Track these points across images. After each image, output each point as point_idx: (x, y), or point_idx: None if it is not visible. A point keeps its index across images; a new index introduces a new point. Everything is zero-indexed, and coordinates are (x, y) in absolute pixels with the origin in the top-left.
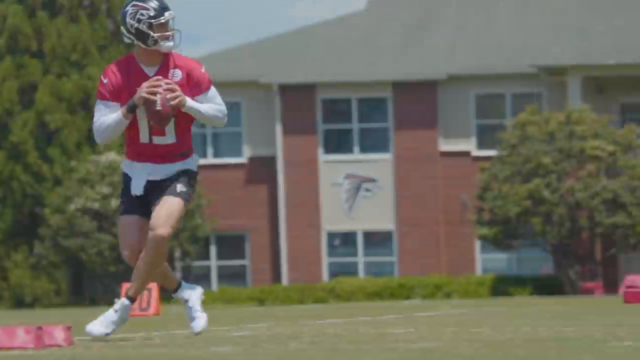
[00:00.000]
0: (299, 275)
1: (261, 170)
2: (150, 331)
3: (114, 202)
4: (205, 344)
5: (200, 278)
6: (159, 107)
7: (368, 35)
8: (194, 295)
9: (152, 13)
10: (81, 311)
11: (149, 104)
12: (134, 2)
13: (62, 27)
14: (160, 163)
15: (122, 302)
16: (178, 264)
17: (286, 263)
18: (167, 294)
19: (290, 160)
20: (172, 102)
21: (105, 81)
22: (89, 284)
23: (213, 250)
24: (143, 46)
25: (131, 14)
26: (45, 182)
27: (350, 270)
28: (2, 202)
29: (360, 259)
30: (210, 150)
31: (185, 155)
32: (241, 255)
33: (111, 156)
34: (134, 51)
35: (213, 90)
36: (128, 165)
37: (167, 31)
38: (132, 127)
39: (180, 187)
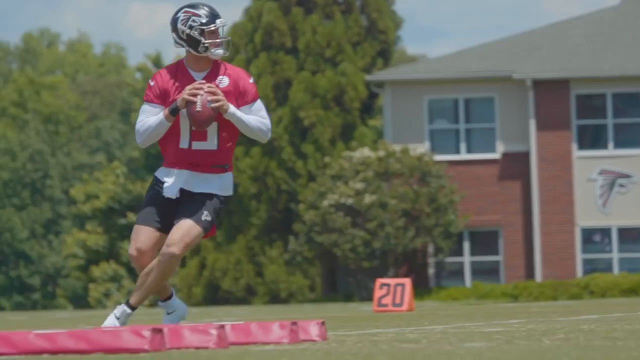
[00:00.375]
0: (552, 271)
1: (514, 165)
2: (403, 327)
3: (368, 198)
4: (458, 339)
5: (454, 274)
6: (199, 109)
7: (623, 30)
8: (178, 312)
9: (203, 20)
10: (335, 306)
11: (190, 106)
12: (185, 9)
13: (317, 23)
14: (197, 171)
15: (123, 309)
16: (431, 260)
17: (540, 259)
18: (419, 290)
19: (544, 155)
20: (212, 105)
21: (152, 84)
22: (342, 280)
23: (466, 246)
24: (194, 52)
25: (183, 20)
26: (299, 178)
27: (604, 266)
28: (257, 198)
29: (615, 255)
30: (463, 146)
31: (223, 168)
32: (495, 251)
33: (365, 152)
34: (184, 57)
35: (259, 103)
36: (163, 171)
37: (218, 38)
38: (173, 133)
39: (205, 216)
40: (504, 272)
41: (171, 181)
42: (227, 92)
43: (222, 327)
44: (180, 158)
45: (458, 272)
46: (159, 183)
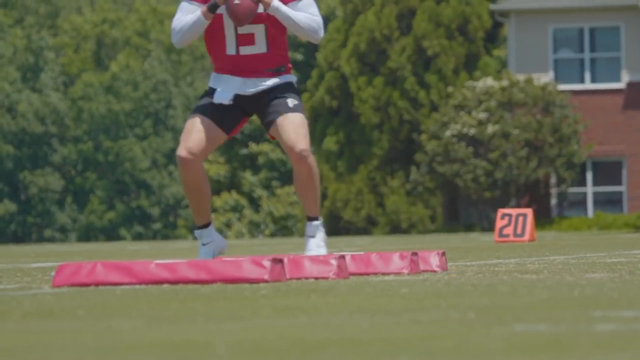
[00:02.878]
0: None
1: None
2: (524, 257)
3: (490, 128)
4: (580, 270)
5: (576, 205)
6: (237, 1)
7: None
8: (215, 244)
9: None
10: (456, 237)
11: (230, 9)
12: None
13: None
14: (251, 77)
15: (314, 224)
16: (554, 191)
17: None
18: (541, 221)
19: None
20: None
21: None
22: (464, 210)
23: (589, 176)
24: None
25: None
26: (422, 108)
27: None
28: (379, 128)
29: None
30: (587, 76)
31: (279, 71)
32: (618, 182)
33: (488, 82)
34: None
35: (308, 0)
36: (215, 79)
37: None
38: (218, 38)
39: (291, 102)
40: (627, 202)
41: (223, 87)
42: None
43: (343, 257)
44: (229, 65)
45: (580, 203)
46: (210, 90)
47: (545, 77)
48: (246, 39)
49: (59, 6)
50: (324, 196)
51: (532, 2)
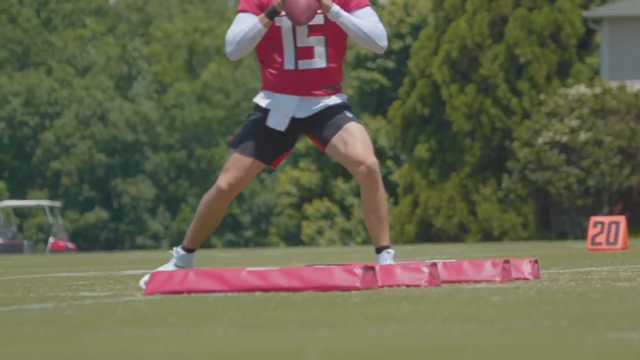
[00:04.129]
0: None
1: None
2: (617, 265)
3: (583, 136)
4: None
5: None
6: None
7: None
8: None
9: None
10: (548, 245)
11: (288, 4)
12: None
13: None
14: (308, 95)
15: (391, 253)
16: None
17: None
18: (634, 228)
19: None
20: None
21: None
22: (556, 218)
23: None
24: None
25: None
26: (514, 116)
27: None
28: (471, 135)
29: None
30: None
31: (335, 89)
32: None
33: (581, 89)
34: None
35: (369, 10)
36: (266, 97)
37: None
38: (276, 51)
39: (347, 113)
40: None
41: (278, 110)
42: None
43: (434, 265)
44: (286, 82)
45: None
46: (261, 110)
47: (638, 84)
48: (305, 52)
49: (151, 14)
50: (415, 203)
51: (626, 9)
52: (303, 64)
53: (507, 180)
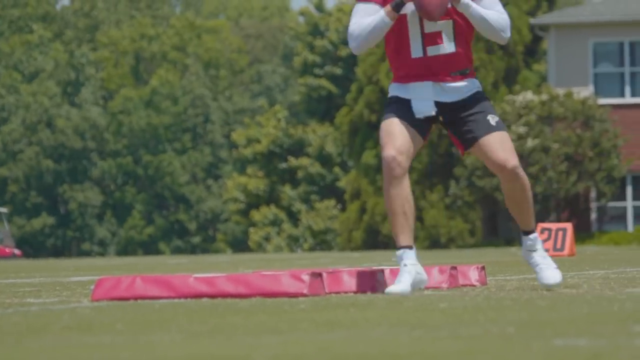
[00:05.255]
0: None
1: None
2: (564, 272)
3: (530, 142)
4: (620, 285)
5: (616, 219)
6: None
7: None
8: (540, 245)
9: None
10: (495, 251)
11: None
12: None
13: None
14: (440, 81)
15: (532, 237)
16: (593, 205)
17: None
18: (581, 235)
19: None
20: None
21: None
22: (503, 224)
23: (629, 190)
24: None
25: None
26: None
27: None
28: None
29: None
30: (628, 90)
31: (464, 74)
32: None
33: (528, 96)
34: None
35: (497, 6)
36: (400, 88)
37: None
38: (402, 40)
39: (492, 119)
40: None
41: (418, 97)
42: None
43: (382, 271)
44: (415, 70)
45: (621, 217)
46: (401, 101)
47: (585, 91)
48: (433, 38)
49: (98, 20)
50: (362, 210)
51: (572, 17)
52: (432, 50)
53: (454, 187)
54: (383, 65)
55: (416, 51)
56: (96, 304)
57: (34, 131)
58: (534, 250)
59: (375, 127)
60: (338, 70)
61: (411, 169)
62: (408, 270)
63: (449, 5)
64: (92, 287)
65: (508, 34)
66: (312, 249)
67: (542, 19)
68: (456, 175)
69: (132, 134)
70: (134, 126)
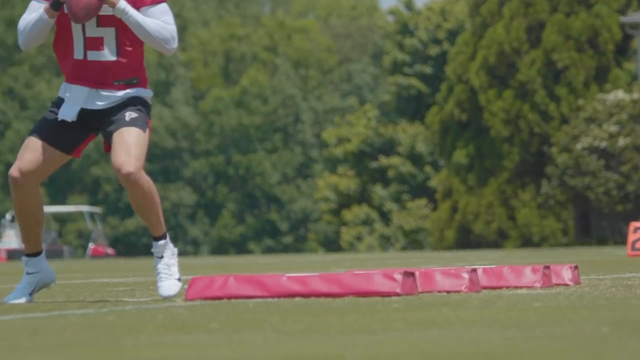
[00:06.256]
0: None
1: None
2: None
3: (622, 141)
4: None
5: None
6: None
7: None
8: (40, 276)
9: None
10: (588, 250)
11: None
12: None
13: None
14: (98, 88)
15: (160, 244)
16: None
17: None
18: None
19: None
20: None
21: None
22: (596, 224)
23: None
24: None
25: None
26: (552, 121)
27: None
28: (509, 141)
29: None
30: None
31: (131, 84)
32: None
33: (619, 95)
34: None
35: (164, 6)
36: (63, 88)
37: None
38: (66, 39)
39: (129, 115)
40: None
41: (69, 100)
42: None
43: (474, 270)
44: (76, 71)
45: None
46: (58, 101)
47: None
48: (94, 43)
49: (187, 20)
50: (454, 209)
51: None
52: (92, 55)
53: (546, 186)
54: (473, 64)
55: (78, 53)
56: (190, 304)
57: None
58: (160, 257)
59: (465, 126)
60: (428, 69)
61: (502, 169)
62: (28, 281)
63: (110, 13)
64: (186, 286)
65: (172, 45)
66: (403, 248)
67: (633, 17)
68: (548, 174)
69: (223, 134)
70: (225, 126)
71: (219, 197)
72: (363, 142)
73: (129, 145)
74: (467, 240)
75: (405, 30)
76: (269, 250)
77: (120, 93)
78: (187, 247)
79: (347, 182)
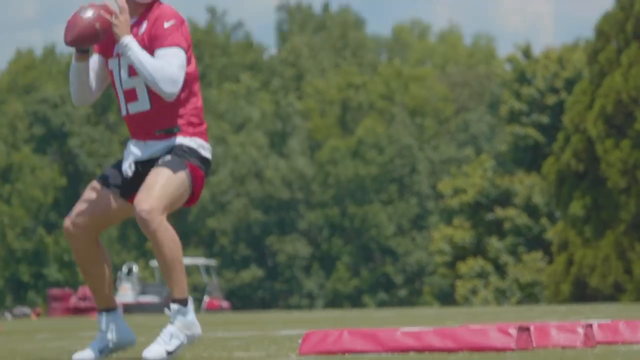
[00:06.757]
0: None
1: None
2: None
3: None
4: None
5: None
6: (82, 15)
7: None
8: (182, 321)
9: None
10: None
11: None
12: None
13: None
14: (145, 139)
15: (173, 308)
16: None
17: None
18: None
19: None
20: (102, 15)
21: None
22: None
23: None
24: None
25: None
26: None
27: None
28: (626, 192)
29: None
30: None
31: (171, 133)
32: None
33: None
34: None
35: (174, 50)
36: (127, 145)
37: None
38: (117, 97)
39: (164, 158)
40: None
41: (126, 157)
42: (141, 40)
43: (590, 325)
44: (129, 128)
45: None
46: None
47: None
48: (130, 95)
49: (304, 69)
50: (570, 262)
51: None
52: (131, 107)
53: None
54: (590, 113)
55: (123, 109)
56: (304, 358)
57: (242, 182)
58: (170, 322)
59: (582, 177)
60: (545, 119)
61: (619, 221)
62: (98, 337)
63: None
64: (300, 341)
65: (171, 90)
66: (519, 302)
67: None
68: None
69: (338, 185)
70: (341, 177)
71: (334, 250)
72: (479, 193)
73: (153, 185)
74: (582, 293)
75: (522, 78)
76: (383, 304)
77: (161, 144)
78: (303, 301)
79: (463, 234)
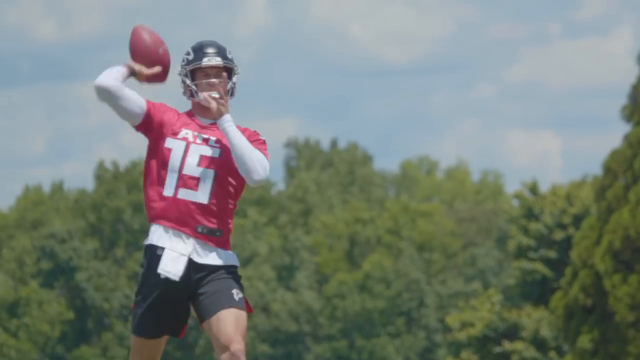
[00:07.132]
0: None
1: None
2: None
3: None
4: None
5: None
6: (146, 34)
7: None
8: None
9: (190, 57)
10: None
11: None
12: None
13: None
14: (183, 229)
15: None
16: None
17: None
18: None
19: None
20: (212, 95)
21: (158, 102)
22: None
23: None
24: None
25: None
26: None
27: None
28: (634, 326)
29: None
30: None
31: (214, 235)
32: None
33: None
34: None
35: (264, 145)
36: (153, 231)
37: (211, 79)
38: (159, 173)
39: (237, 294)
40: None
41: (170, 247)
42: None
43: None
44: (166, 211)
45: None
46: (154, 253)
47: None
48: (189, 182)
49: (311, 204)
50: None
51: None
52: (183, 193)
53: None
54: (598, 249)
55: (169, 189)
56: None
57: (249, 316)
58: None
59: (590, 311)
60: (552, 254)
61: (627, 355)
62: None
63: (213, 155)
64: None
65: (261, 176)
66: None
67: None
68: None
69: (346, 318)
70: (348, 310)
71: None
72: (487, 327)
73: (240, 323)
74: None
75: (530, 214)
76: None
77: (216, 251)
78: None
79: None
